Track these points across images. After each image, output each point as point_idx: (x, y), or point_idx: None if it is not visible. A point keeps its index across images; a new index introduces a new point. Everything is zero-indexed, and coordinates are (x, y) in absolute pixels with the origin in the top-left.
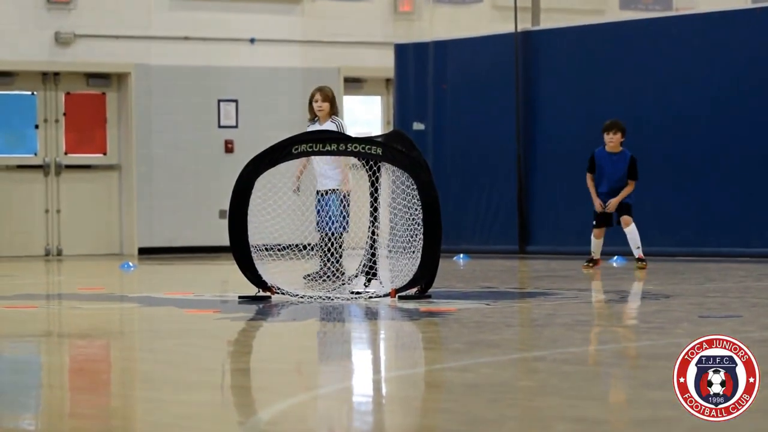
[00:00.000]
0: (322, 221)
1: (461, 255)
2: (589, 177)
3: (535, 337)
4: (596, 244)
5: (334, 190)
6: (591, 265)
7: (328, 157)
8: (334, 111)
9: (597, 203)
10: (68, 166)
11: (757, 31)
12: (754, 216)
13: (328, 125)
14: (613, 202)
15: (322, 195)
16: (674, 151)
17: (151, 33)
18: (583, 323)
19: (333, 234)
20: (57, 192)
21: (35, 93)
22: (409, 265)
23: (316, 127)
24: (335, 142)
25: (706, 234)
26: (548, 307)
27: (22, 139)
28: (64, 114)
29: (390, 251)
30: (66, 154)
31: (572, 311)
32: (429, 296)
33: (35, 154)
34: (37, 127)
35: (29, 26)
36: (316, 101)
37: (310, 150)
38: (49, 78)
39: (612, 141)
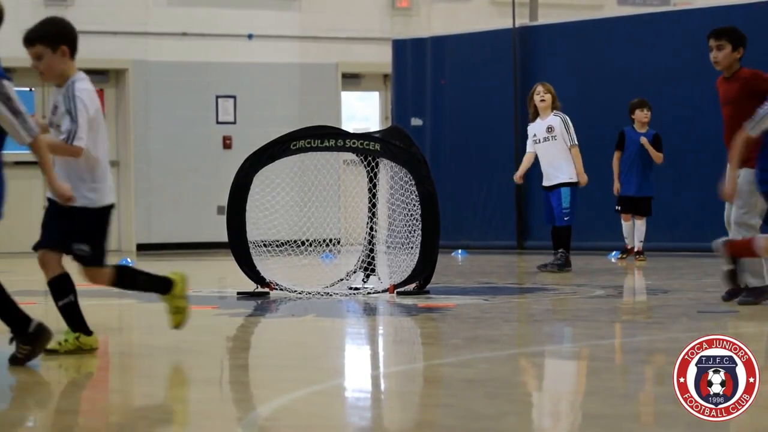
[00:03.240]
0: (551, 215)
1: (460, 250)
2: (616, 155)
3: (533, 332)
4: (626, 228)
5: (564, 183)
6: (625, 255)
7: (558, 150)
8: (556, 105)
9: (616, 186)
10: None
11: (755, 26)
12: None
13: (551, 120)
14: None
15: (548, 190)
16: (672, 145)
17: (148, 29)
18: (582, 318)
19: (562, 227)
20: None
21: (33, 89)
22: (408, 261)
23: (537, 124)
24: (333, 138)
25: (705, 229)
26: (546, 303)
27: None
28: None
29: (388, 247)
30: None
31: (570, 307)
32: (427, 292)
33: None
34: None
35: (27, 23)
36: (539, 93)
37: (309, 146)
38: None
39: (647, 117)
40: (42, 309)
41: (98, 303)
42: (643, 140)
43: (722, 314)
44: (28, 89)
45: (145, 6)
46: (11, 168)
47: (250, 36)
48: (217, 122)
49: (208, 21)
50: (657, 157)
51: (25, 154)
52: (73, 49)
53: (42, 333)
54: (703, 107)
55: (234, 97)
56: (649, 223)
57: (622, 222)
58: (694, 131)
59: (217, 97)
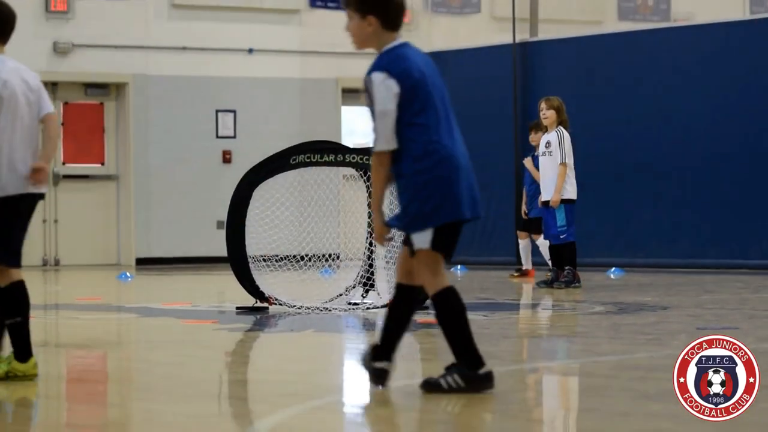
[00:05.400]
0: (548, 231)
1: (458, 266)
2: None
3: (532, 348)
4: (522, 247)
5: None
6: (517, 275)
7: (552, 166)
8: (560, 120)
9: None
10: (66, 176)
11: (754, 42)
12: (752, 227)
13: (551, 135)
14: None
15: (545, 205)
16: (672, 161)
17: (149, 43)
18: (581, 335)
19: (560, 244)
20: (55, 202)
21: None
22: None
23: (543, 138)
24: (333, 153)
25: (704, 245)
26: (545, 319)
27: None
28: (62, 124)
29: (387, 262)
30: (64, 164)
31: (570, 323)
32: (426, 307)
33: None
34: None
35: (28, 36)
36: (541, 110)
37: (308, 161)
38: (47, 88)
39: (533, 141)
40: (41, 323)
41: (97, 317)
42: (526, 161)
43: (722, 330)
44: None
45: (145, 20)
46: None
47: (250, 50)
48: (217, 136)
49: (209, 35)
50: (535, 175)
51: None
52: None
53: (487, 380)
54: (703, 123)
55: (234, 111)
56: (649, 239)
57: (519, 240)
58: (693, 147)
59: (217, 111)
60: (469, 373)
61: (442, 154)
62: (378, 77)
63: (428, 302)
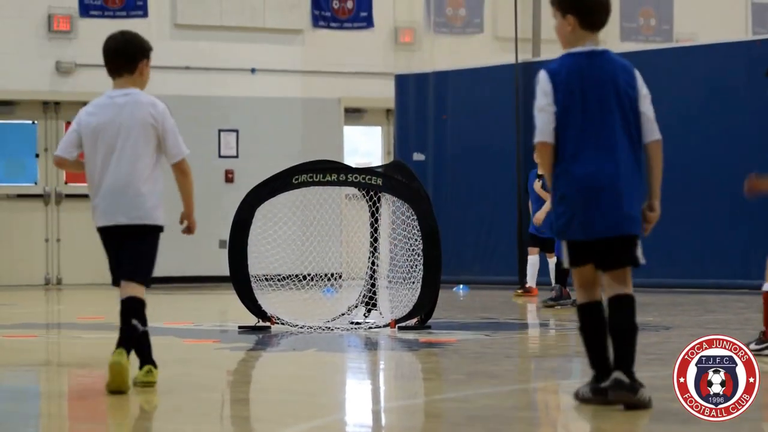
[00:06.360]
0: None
1: (461, 286)
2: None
3: (534, 368)
4: (529, 264)
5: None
6: (521, 292)
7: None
8: None
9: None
10: (68, 196)
11: (756, 62)
12: (755, 247)
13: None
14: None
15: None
16: (674, 182)
17: (151, 62)
18: (583, 354)
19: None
20: (57, 221)
21: (36, 122)
22: (409, 296)
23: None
24: (335, 173)
25: (706, 265)
26: (548, 339)
27: (23, 169)
28: None
29: (390, 282)
30: (66, 183)
31: (572, 342)
32: (428, 327)
33: (35, 183)
34: (37, 156)
35: (30, 55)
36: None
37: (311, 180)
38: (50, 107)
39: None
40: (43, 341)
41: (99, 336)
42: (535, 185)
43: None
44: (30, 122)
45: (148, 39)
46: (14, 200)
47: (253, 70)
48: (219, 156)
49: (211, 55)
50: (545, 197)
51: (28, 187)
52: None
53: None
54: (705, 143)
55: (236, 131)
56: (650, 258)
57: (528, 256)
58: (694, 167)
59: (220, 131)
60: (594, 386)
61: (575, 173)
62: (541, 75)
63: (429, 322)
